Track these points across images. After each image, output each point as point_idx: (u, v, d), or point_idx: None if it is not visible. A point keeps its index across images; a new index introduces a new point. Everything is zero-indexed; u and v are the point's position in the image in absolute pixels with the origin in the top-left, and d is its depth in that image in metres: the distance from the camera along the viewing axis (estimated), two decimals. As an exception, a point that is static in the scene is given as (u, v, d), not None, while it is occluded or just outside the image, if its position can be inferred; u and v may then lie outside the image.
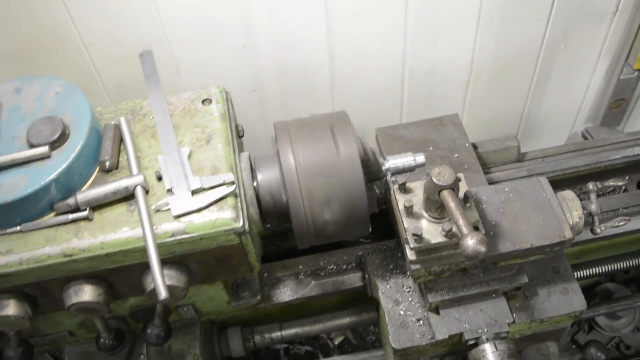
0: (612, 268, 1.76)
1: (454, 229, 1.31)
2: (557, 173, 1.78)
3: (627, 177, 1.82)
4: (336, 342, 2.04)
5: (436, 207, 1.34)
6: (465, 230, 1.20)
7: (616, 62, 2.28)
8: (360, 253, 1.66)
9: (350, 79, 2.20)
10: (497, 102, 2.38)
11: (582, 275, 1.76)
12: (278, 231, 1.76)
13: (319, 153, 1.38)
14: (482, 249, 1.18)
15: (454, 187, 1.28)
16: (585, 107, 2.49)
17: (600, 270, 1.75)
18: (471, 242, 1.18)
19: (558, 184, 1.76)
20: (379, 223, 1.70)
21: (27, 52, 1.83)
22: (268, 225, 1.71)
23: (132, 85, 1.97)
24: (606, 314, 1.96)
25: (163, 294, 1.23)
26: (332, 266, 1.66)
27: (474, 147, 1.77)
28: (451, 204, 1.26)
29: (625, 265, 1.77)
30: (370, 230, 1.47)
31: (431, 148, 1.71)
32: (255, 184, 1.44)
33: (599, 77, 2.37)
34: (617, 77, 2.29)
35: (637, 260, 1.78)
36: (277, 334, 1.74)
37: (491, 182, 1.73)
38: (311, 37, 2.04)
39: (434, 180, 1.28)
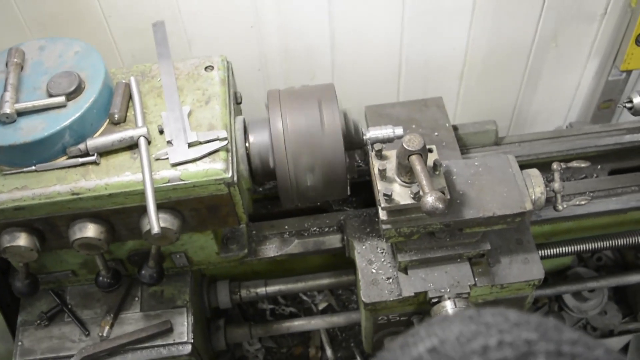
0: (577, 249, 1.89)
1: (421, 191, 1.45)
2: (531, 157, 1.91)
3: (599, 166, 1.96)
4: (320, 308, 2.19)
5: (406, 171, 1.48)
6: (426, 189, 1.35)
7: (605, 63, 2.41)
8: (342, 218, 1.80)
9: (350, 65, 2.33)
10: (490, 95, 2.50)
11: (547, 253, 1.90)
12: (269, 195, 1.91)
13: (305, 121, 1.55)
14: (440, 205, 1.33)
15: (422, 153, 1.43)
16: (575, 105, 2.61)
17: (564, 250, 1.88)
18: (430, 198, 1.33)
19: (532, 167, 1.88)
20: (365, 194, 1.87)
21: (55, 20, 2.00)
22: (260, 189, 1.89)
23: (144, 56, 2.14)
24: (573, 294, 2.10)
25: (155, 228, 1.40)
26: (315, 228, 1.80)
27: (454, 128, 1.89)
28: (417, 167, 1.41)
29: (591, 247, 1.89)
30: (349, 194, 1.63)
31: (414, 126, 1.84)
32: (247, 144, 1.60)
33: (588, 77, 2.49)
34: (605, 77, 2.42)
35: (602, 243, 1.90)
36: (262, 289, 1.90)
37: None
38: (314, 22, 2.18)
39: (404, 145, 1.43)
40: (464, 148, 1.93)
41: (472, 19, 2.22)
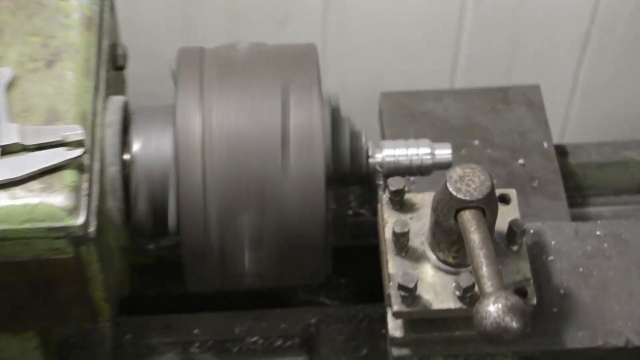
0: None
1: (477, 288, 1.37)
2: None
3: None
4: None
5: (450, 241, 1.42)
6: (487, 285, 1.28)
7: None
8: (312, 320, 1.76)
9: (359, 5, 2.31)
10: None
11: None
12: (169, 259, 1.87)
13: (250, 124, 1.52)
14: (513, 324, 1.24)
15: (485, 205, 1.37)
16: None
17: None
18: (493, 308, 1.24)
19: None
20: (364, 272, 1.85)
21: None
22: (151, 246, 1.88)
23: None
24: None
25: None
26: (256, 337, 1.75)
27: (561, 151, 1.90)
28: (474, 236, 1.33)
29: None
30: (329, 274, 1.60)
31: (477, 142, 1.85)
32: (126, 156, 1.56)
33: None
34: None
35: None
36: None
37: (581, 220, 1.84)
38: None
39: (450, 188, 1.36)
40: (578, 195, 1.94)
41: None
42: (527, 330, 1.29)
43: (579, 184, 1.95)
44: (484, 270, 1.31)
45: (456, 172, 1.38)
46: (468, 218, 1.36)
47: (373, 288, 1.78)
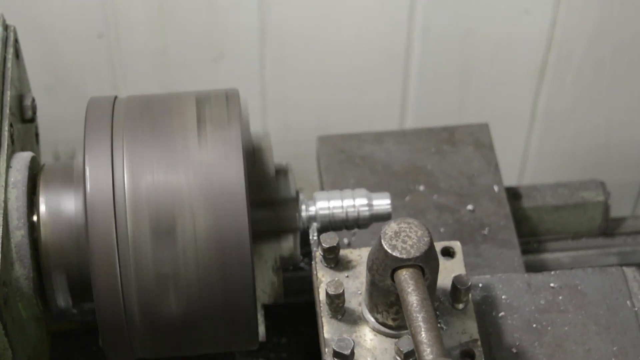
0: None
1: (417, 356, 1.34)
2: (677, 266, 1.88)
3: None
4: None
5: (389, 302, 1.40)
6: (426, 353, 1.25)
7: None
8: (249, 387, 1.75)
9: (298, 37, 2.31)
10: (600, 123, 2.50)
11: None
12: (94, 324, 1.73)
13: (167, 182, 1.49)
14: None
15: (424, 264, 1.35)
16: None
17: None
18: (434, 375, 1.24)
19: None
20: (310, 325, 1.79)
21: None
22: (74, 311, 1.84)
23: None
24: None
25: None
26: (190, 403, 1.73)
27: (513, 194, 1.89)
28: (411, 297, 1.31)
29: None
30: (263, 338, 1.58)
31: (422, 187, 1.86)
32: (34, 217, 1.54)
33: None
34: None
35: None
36: None
37: (536, 270, 1.81)
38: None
39: (385, 245, 1.34)
40: (533, 241, 1.95)
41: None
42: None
43: (533, 228, 1.94)
44: (423, 335, 1.29)
45: (391, 227, 1.37)
46: (405, 278, 1.35)
47: (317, 346, 1.76)
